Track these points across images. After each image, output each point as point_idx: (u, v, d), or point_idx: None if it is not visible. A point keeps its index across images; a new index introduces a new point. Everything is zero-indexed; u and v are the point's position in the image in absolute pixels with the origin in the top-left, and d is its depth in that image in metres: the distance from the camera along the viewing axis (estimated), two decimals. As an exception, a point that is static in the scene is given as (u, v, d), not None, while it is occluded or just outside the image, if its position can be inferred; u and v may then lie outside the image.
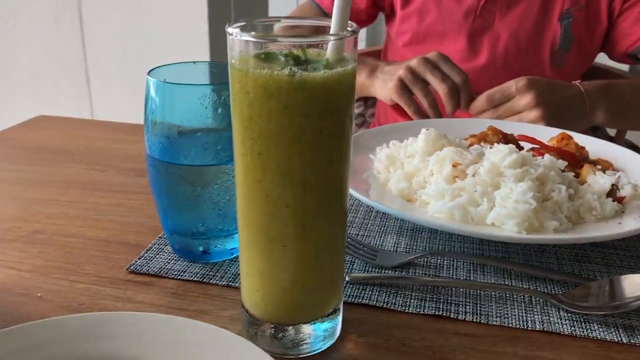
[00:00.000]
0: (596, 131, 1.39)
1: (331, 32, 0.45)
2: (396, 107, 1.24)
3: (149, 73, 0.59)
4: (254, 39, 0.43)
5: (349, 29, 0.45)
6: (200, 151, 0.59)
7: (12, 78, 3.07)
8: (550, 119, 1.00)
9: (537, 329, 0.54)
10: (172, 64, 0.63)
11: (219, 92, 0.58)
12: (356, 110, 1.54)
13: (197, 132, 0.59)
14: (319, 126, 0.44)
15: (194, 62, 0.64)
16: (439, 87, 1.02)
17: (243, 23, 0.46)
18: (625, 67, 1.55)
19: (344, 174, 0.47)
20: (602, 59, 1.36)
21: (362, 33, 2.66)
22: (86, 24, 2.97)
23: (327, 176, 0.46)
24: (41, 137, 1.01)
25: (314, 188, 0.45)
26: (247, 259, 0.49)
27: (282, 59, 0.44)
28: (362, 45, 2.62)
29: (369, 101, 1.53)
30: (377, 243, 0.68)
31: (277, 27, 0.51)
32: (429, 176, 0.73)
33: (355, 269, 0.63)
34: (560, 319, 0.55)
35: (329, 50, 0.44)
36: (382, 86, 1.11)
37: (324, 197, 0.46)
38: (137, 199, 0.78)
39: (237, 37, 0.43)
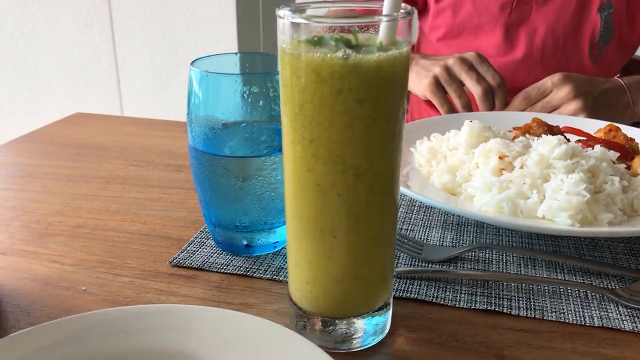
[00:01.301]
0: (638, 124, 1.36)
1: (384, 13, 0.43)
2: (429, 102, 1.22)
3: (192, 64, 0.59)
4: (305, 21, 0.42)
5: (402, 10, 0.44)
6: (243, 143, 0.58)
7: (44, 79, 3.12)
8: (591, 111, 0.97)
9: (595, 325, 0.52)
10: (213, 55, 0.62)
11: (262, 82, 0.57)
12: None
13: (241, 124, 0.58)
14: (372, 112, 0.42)
15: (236, 53, 0.63)
16: (474, 89, 1.00)
17: (291, 5, 0.45)
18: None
19: (396, 162, 0.46)
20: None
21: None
22: (116, 25, 3.00)
23: (380, 164, 0.44)
24: (78, 134, 1.02)
25: (366, 176, 0.44)
26: (296, 250, 0.48)
27: (334, 43, 0.42)
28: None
29: (402, 97, 1.51)
30: (422, 237, 0.67)
31: (326, 10, 0.50)
32: (474, 169, 0.71)
33: (401, 263, 0.61)
34: (620, 315, 0.53)
35: (382, 33, 0.43)
36: (417, 80, 1.09)
37: (375, 186, 0.45)
38: (177, 194, 0.78)
39: (288, 19, 0.42)
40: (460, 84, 1.03)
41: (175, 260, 0.61)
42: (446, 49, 1.27)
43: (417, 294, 0.56)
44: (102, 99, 3.11)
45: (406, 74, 0.44)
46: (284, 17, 0.42)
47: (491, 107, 1.01)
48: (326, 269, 0.46)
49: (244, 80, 0.57)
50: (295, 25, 0.42)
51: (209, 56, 0.61)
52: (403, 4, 0.44)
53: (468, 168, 0.72)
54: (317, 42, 0.42)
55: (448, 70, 1.03)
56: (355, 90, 0.41)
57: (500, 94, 1.01)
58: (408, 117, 1.44)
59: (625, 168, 0.71)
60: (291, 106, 0.43)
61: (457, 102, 1.03)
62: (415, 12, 1.39)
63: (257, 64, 0.65)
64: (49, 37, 3.06)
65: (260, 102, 0.58)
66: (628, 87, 1.04)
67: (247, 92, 0.57)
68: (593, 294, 0.56)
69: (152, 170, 0.86)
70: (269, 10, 2.85)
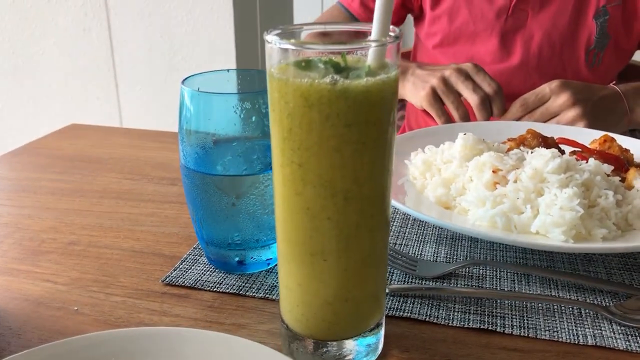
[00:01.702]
0: (634, 132, 1.35)
1: (372, 37, 0.43)
2: (426, 111, 1.22)
3: (183, 82, 0.59)
4: (293, 47, 0.42)
5: (391, 34, 0.43)
6: (235, 161, 0.58)
7: (42, 84, 3.12)
8: (589, 118, 0.97)
9: (589, 344, 0.51)
10: (205, 72, 0.62)
11: (254, 100, 0.57)
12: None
13: (232, 142, 0.58)
14: (361, 136, 0.42)
15: (227, 70, 0.63)
16: (471, 98, 1.00)
17: (279, 30, 0.45)
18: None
19: (386, 184, 0.46)
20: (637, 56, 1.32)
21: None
22: (114, 30, 3.00)
23: (369, 187, 0.44)
24: (73, 146, 1.02)
25: (356, 200, 0.44)
26: (286, 273, 0.47)
27: (322, 66, 0.42)
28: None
29: (398, 104, 1.50)
30: (416, 252, 0.66)
31: (313, 33, 0.50)
32: (468, 182, 0.71)
33: (395, 280, 0.61)
34: (614, 333, 0.52)
35: (370, 57, 0.42)
36: (413, 91, 1.09)
37: (366, 209, 0.44)
38: (171, 208, 0.77)
39: (276, 44, 0.42)
40: (457, 95, 1.02)
41: (168, 279, 0.61)
42: (442, 56, 1.27)
43: (411, 313, 0.56)
44: (101, 104, 3.11)
45: (395, 97, 0.44)
46: (272, 42, 0.42)
47: (489, 115, 1.01)
48: (316, 291, 0.46)
49: (235, 98, 0.57)
50: (283, 51, 0.42)
51: (200, 73, 0.61)
52: (392, 27, 0.44)
53: (462, 181, 0.71)
54: (305, 66, 0.42)
55: (445, 81, 1.03)
56: (344, 115, 0.41)
57: (498, 102, 1.01)
58: (404, 125, 1.44)
59: (620, 180, 0.71)
60: (279, 130, 0.43)
61: (454, 114, 1.02)
62: (412, 18, 1.39)
63: (250, 80, 0.65)
64: (47, 42, 3.06)
65: (253, 119, 0.58)
66: (624, 94, 1.04)
67: (239, 110, 0.57)
68: (587, 311, 0.55)
69: (146, 183, 0.85)
70: (267, 16, 2.86)
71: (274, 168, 0.45)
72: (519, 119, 1.02)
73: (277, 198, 0.46)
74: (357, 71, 0.42)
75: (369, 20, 1.29)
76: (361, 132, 0.42)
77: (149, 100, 3.01)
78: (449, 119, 1.04)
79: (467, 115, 1.02)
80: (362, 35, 0.46)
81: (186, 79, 0.60)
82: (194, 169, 0.58)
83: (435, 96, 1.03)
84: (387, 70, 0.42)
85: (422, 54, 1.35)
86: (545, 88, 1.01)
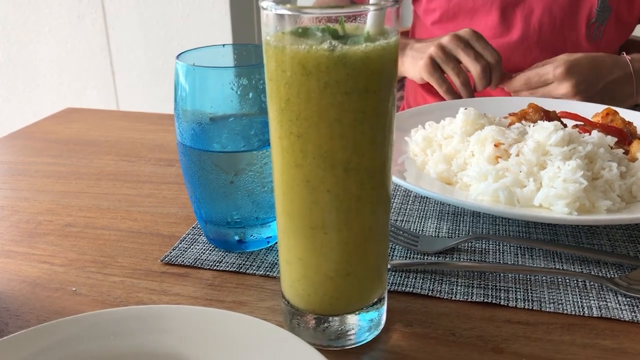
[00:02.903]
0: (636, 107, 1.34)
1: (371, 2, 0.42)
2: (426, 87, 1.21)
3: (177, 57, 0.57)
4: (289, 12, 0.40)
5: (390, -2, 0.42)
6: (232, 137, 0.57)
7: (38, 73, 3.10)
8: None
9: (594, 316, 0.51)
10: (200, 47, 0.60)
11: (250, 75, 0.56)
12: (384, 94, 1.50)
13: (229, 118, 0.56)
14: (360, 105, 0.41)
15: (223, 45, 0.62)
16: (472, 66, 0.98)
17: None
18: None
19: (387, 155, 0.45)
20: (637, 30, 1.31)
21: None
22: (109, 17, 2.98)
23: (370, 158, 0.43)
24: (69, 130, 1.01)
25: (356, 171, 0.43)
26: (286, 247, 0.46)
27: (319, 34, 0.41)
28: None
29: (398, 83, 1.49)
30: (418, 228, 0.66)
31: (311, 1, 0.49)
32: (470, 157, 0.70)
33: (396, 256, 0.60)
34: (619, 305, 0.52)
35: (369, 23, 0.41)
36: (412, 64, 1.07)
37: (367, 180, 0.43)
38: (168, 189, 0.76)
39: (271, 10, 0.40)
40: (457, 62, 1.01)
41: (167, 258, 0.60)
42: (441, 33, 1.25)
43: (413, 287, 0.55)
44: (98, 91, 3.09)
45: (395, 65, 0.43)
46: (268, 8, 0.41)
47: (488, 83, 1.00)
48: (317, 266, 0.45)
49: (231, 73, 0.56)
50: (280, 17, 0.41)
51: (195, 49, 0.60)
52: (390, -8, 0.42)
53: (463, 157, 0.70)
54: (302, 33, 0.41)
55: (444, 49, 1.01)
56: (343, 83, 0.40)
57: (498, 71, 1.00)
58: (404, 104, 1.43)
59: (623, 153, 0.70)
60: (277, 100, 0.42)
61: (455, 80, 1.01)
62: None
63: (246, 55, 0.64)
64: (41, 30, 3.04)
65: (250, 95, 0.56)
66: (636, 73, 1.02)
67: (236, 85, 0.56)
68: (592, 283, 0.55)
69: (144, 165, 0.84)
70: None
71: (272, 140, 0.44)
72: (520, 92, 1.01)
73: (276, 171, 0.45)
74: (356, 38, 0.40)
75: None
76: (361, 101, 0.41)
77: (146, 86, 2.99)
78: (450, 87, 1.02)
79: (468, 82, 1.00)
80: (361, 1, 0.44)
81: (181, 54, 0.58)
82: (190, 146, 0.57)
83: (434, 65, 1.02)
84: (387, 36, 0.41)
85: (421, 31, 1.34)
86: (550, 72, 0.99)
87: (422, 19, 1.31)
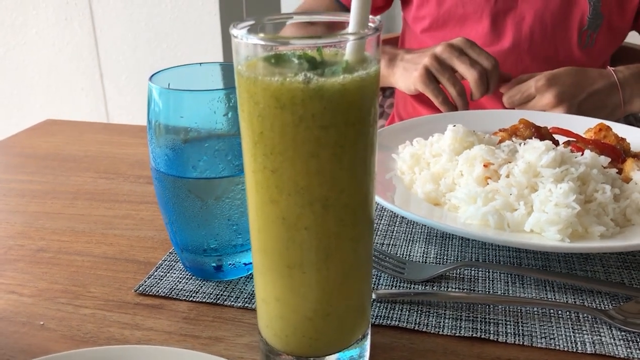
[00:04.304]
0: (627, 116, 1.32)
1: (350, 30, 0.39)
2: (417, 96, 1.18)
3: (151, 79, 0.55)
4: (262, 42, 0.38)
5: (370, 25, 0.40)
6: (209, 162, 0.54)
7: (25, 75, 3.06)
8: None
9: (588, 352, 0.48)
10: (176, 66, 0.58)
11: (229, 96, 0.53)
12: (374, 101, 1.48)
13: (205, 143, 0.54)
14: (339, 139, 0.38)
15: (200, 63, 0.59)
16: (468, 74, 0.96)
17: (250, 22, 0.41)
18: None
19: (368, 190, 0.42)
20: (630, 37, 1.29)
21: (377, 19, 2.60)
22: (97, 19, 2.94)
23: (350, 194, 0.40)
24: (47, 144, 0.97)
25: (335, 208, 0.40)
26: (263, 286, 0.44)
27: (296, 61, 0.38)
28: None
29: (387, 91, 1.47)
30: (405, 253, 0.63)
31: (288, 25, 0.46)
32: (459, 177, 0.67)
33: (382, 284, 0.58)
34: (614, 339, 0.49)
35: (349, 51, 0.39)
36: (405, 76, 1.04)
37: (347, 217, 0.41)
38: (147, 210, 0.74)
39: (243, 39, 0.38)
40: (452, 72, 0.98)
41: (141, 288, 0.58)
42: (431, 40, 1.23)
43: (399, 321, 0.52)
44: (86, 93, 3.05)
45: (376, 96, 0.40)
46: (239, 37, 0.38)
47: (486, 91, 0.97)
48: (295, 306, 0.43)
49: (209, 95, 0.53)
50: (252, 46, 0.38)
51: (170, 68, 0.57)
52: (371, 17, 0.40)
53: (452, 176, 0.68)
54: (276, 61, 0.38)
55: (438, 59, 0.98)
56: (319, 117, 0.37)
57: (495, 76, 0.97)
58: (393, 113, 1.40)
59: (617, 172, 0.67)
60: (250, 133, 0.39)
61: (451, 91, 0.98)
62: (399, 2, 1.35)
63: (225, 73, 0.61)
64: (28, 32, 3.00)
65: (229, 115, 0.54)
66: (622, 83, 1.00)
67: (213, 107, 0.53)
68: (585, 315, 0.52)
69: (122, 183, 0.81)
70: (253, 4, 2.80)
71: (246, 174, 0.42)
72: (508, 110, 0.98)
73: (250, 206, 0.42)
74: (333, 67, 0.38)
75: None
76: (339, 135, 0.38)
77: (135, 89, 2.96)
78: (446, 98, 1.00)
79: (464, 91, 0.98)
80: (340, 26, 0.42)
81: (154, 74, 0.55)
82: (164, 172, 0.54)
83: (429, 75, 0.99)
84: (367, 65, 0.38)
85: (410, 40, 1.31)
86: (531, 86, 0.97)
87: (411, 27, 1.28)
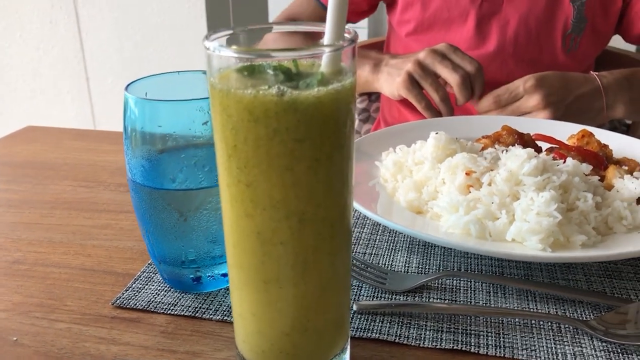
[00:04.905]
0: (612, 121, 1.32)
1: (325, 41, 0.38)
2: (402, 101, 1.18)
3: (126, 88, 0.54)
4: (235, 55, 0.37)
5: (346, 36, 0.39)
6: (187, 173, 0.53)
7: (11, 78, 3.03)
8: (561, 120, 0.94)
9: (569, 364, 0.48)
10: (153, 75, 0.57)
11: (207, 105, 0.52)
12: (360, 106, 1.48)
13: (182, 153, 0.53)
14: (314, 152, 0.38)
15: (178, 72, 0.58)
16: (451, 78, 0.95)
17: (224, 33, 0.40)
18: (633, 49, 1.47)
19: (346, 202, 0.41)
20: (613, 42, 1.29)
21: (364, 22, 2.59)
22: (82, 22, 2.92)
23: (327, 207, 0.40)
24: (27, 151, 0.96)
25: (312, 221, 0.39)
26: (239, 301, 0.43)
27: (271, 72, 0.38)
28: (364, 36, 2.55)
29: (373, 96, 1.46)
30: (387, 262, 0.63)
31: (264, 35, 0.45)
32: (441, 185, 0.67)
33: (363, 295, 0.57)
34: (595, 350, 0.49)
35: (324, 63, 0.38)
36: (389, 81, 1.04)
37: (324, 230, 0.40)
38: (126, 219, 0.72)
39: (216, 52, 0.37)
40: (435, 77, 0.98)
41: (118, 301, 0.57)
42: (416, 44, 1.23)
43: (379, 333, 0.52)
44: (72, 97, 3.03)
45: (352, 108, 0.39)
46: (212, 49, 0.37)
47: (469, 95, 0.96)
48: (272, 321, 0.42)
49: (187, 104, 0.52)
50: (226, 58, 0.37)
51: (147, 77, 0.56)
52: (347, 27, 0.39)
53: (434, 184, 0.67)
54: (249, 73, 0.37)
55: (420, 64, 0.98)
56: (294, 130, 0.37)
57: (479, 81, 0.96)
58: (379, 118, 1.40)
59: (599, 179, 0.67)
60: (224, 146, 0.39)
61: (434, 96, 0.98)
62: (384, 6, 1.34)
63: (202, 82, 0.60)
64: (13, 35, 2.97)
65: (208, 124, 0.53)
66: (606, 88, 1.00)
67: (191, 117, 0.52)
68: (566, 326, 0.52)
69: (102, 191, 0.80)
70: (238, 3, 2.79)
71: (221, 187, 0.41)
72: (490, 113, 0.98)
73: (225, 221, 0.42)
74: (308, 79, 0.37)
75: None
76: (314, 148, 0.38)
77: (121, 92, 2.93)
78: (429, 103, 0.99)
79: (447, 97, 0.97)
80: (318, 36, 0.41)
81: (131, 84, 0.55)
82: (141, 183, 0.54)
83: (412, 81, 0.98)
84: (342, 77, 0.38)
85: (396, 43, 1.31)
86: (520, 86, 0.97)
87: (396, 31, 1.28)
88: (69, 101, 3.03)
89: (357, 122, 1.47)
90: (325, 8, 1.29)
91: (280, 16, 1.33)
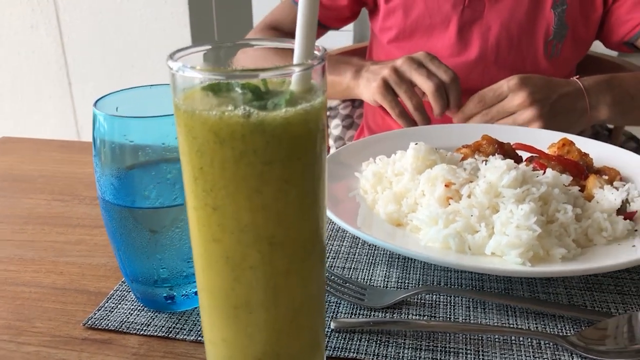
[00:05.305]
0: (594, 125, 1.33)
1: (295, 60, 0.37)
2: (383, 108, 1.17)
3: (95, 104, 0.52)
4: (200, 75, 0.36)
5: (316, 53, 0.38)
6: (159, 190, 0.52)
7: (-11, 86, 2.99)
8: (546, 118, 0.93)
9: (548, 382, 0.47)
10: (124, 89, 0.55)
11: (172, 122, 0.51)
12: (344, 112, 1.47)
13: (152, 171, 0.51)
14: (283, 174, 0.36)
15: (150, 85, 0.57)
16: (425, 85, 0.94)
17: (190, 50, 0.39)
18: (615, 54, 1.47)
19: (318, 223, 0.40)
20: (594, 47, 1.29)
21: (350, 26, 2.58)
22: (64, 27, 2.88)
23: (299, 230, 0.39)
24: (3, 163, 0.94)
25: (283, 245, 0.38)
26: (209, 327, 0.42)
27: (239, 91, 0.37)
28: (349, 41, 2.54)
29: (356, 102, 1.45)
30: (366, 277, 0.62)
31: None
32: (420, 197, 0.66)
33: (341, 312, 0.56)
34: (575, 368, 0.48)
35: (294, 82, 0.37)
36: (367, 87, 1.03)
37: (296, 254, 0.39)
38: (101, 234, 0.71)
39: (180, 72, 0.36)
40: (410, 85, 0.97)
41: (90, 322, 0.55)
42: (398, 51, 1.22)
43: (357, 352, 0.51)
44: (54, 103, 2.99)
45: (322, 127, 0.38)
46: (175, 69, 0.36)
47: (445, 105, 0.95)
48: (243, 347, 0.41)
49: (157, 120, 0.51)
50: (190, 78, 0.36)
51: (118, 91, 0.55)
52: (317, 44, 0.38)
53: (414, 196, 0.67)
54: (215, 92, 0.36)
55: (397, 71, 0.97)
56: (262, 152, 0.35)
57: (454, 90, 0.95)
58: (362, 124, 1.39)
59: (580, 190, 0.67)
60: (190, 168, 0.37)
61: (408, 104, 0.97)
62: (367, 12, 1.34)
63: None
64: (-8, 40, 2.93)
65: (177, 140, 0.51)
66: (587, 90, 1.00)
67: (162, 132, 0.51)
68: (546, 342, 0.51)
69: (77, 205, 0.79)
70: (222, 10, 2.77)
71: (188, 210, 0.40)
72: (475, 115, 0.97)
73: (194, 244, 0.40)
74: (276, 99, 0.36)
75: (322, 16, 1.22)
76: (284, 169, 0.36)
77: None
78: (403, 110, 0.98)
79: (421, 105, 0.96)
80: (290, 54, 0.40)
81: (100, 99, 0.53)
82: (111, 202, 0.52)
83: (387, 87, 0.98)
84: (311, 97, 0.37)
85: (378, 50, 1.30)
86: (504, 85, 0.96)
87: (378, 37, 1.27)
88: (51, 106, 2.99)
89: (340, 129, 1.47)
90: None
91: (263, 22, 1.32)
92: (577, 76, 1.01)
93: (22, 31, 2.90)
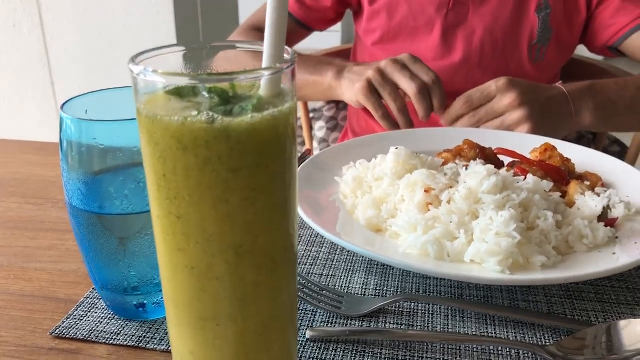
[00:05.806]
0: (579, 131, 1.32)
1: (264, 64, 0.36)
2: (367, 110, 1.16)
3: (62, 107, 0.50)
4: (163, 79, 0.34)
5: (286, 56, 0.37)
6: (127, 197, 0.50)
7: (-30, 85, 2.94)
8: (535, 120, 0.92)
9: (526, 394, 0.46)
10: (93, 92, 0.54)
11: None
12: (328, 114, 1.46)
13: (121, 176, 0.50)
14: (250, 182, 0.35)
15: (122, 87, 0.55)
16: (408, 87, 0.93)
17: (153, 53, 0.37)
18: (600, 58, 1.47)
19: (288, 233, 0.39)
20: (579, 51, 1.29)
21: (337, 27, 2.57)
22: (47, 26, 2.85)
23: (267, 239, 0.37)
24: (-25, 165, 0.92)
25: (250, 255, 0.37)
26: (176, 338, 0.40)
27: (205, 95, 0.35)
28: (337, 42, 2.53)
29: (341, 104, 1.44)
30: (344, 284, 0.60)
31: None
32: (400, 202, 0.65)
33: (318, 321, 0.55)
34: (553, 379, 0.47)
35: (263, 86, 0.36)
36: (349, 87, 1.02)
37: (264, 264, 0.38)
38: (73, 240, 0.69)
39: (141, 76, 0.34)
40: (394, 87, 0.96)
41: (57, 330, 0.53)
42: (382, 53, 1.21)
43: (332, 363, 0.49)
44: (37, 103, 2.95)
45: (291, 133, 0.37)
46: (137, 73, 0.34)
47: (429, 107, 0.94)
48: (211, 360, 0.39)
49: (127, 124, 0.49)
50: (152, 83, 0.35)
51: (86, 94, 0.53)
52: (286, 47, 0.37)
53: (394, 202, 0.65)
54: (179, 95, 0.35)
55: (381, 72, 0.96)
56: (227, 159, 0.34)
57: (437, 92, 0.94)
58: (347, 127, 1.38)
59: (561, 196, 0.66)
60: (153, 176, 0.36)
61: (392, 106, 0.96)
62: (351, 13, 1.33)
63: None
64: (-27, 40, 2.88)
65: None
66: (570, 95, 0.99)
67: (134, 136, 0.49)
68: (525, 352, 0.50)
69: (50, 209, 0.77)
70: (207, 7, 2.75)
71: (152, 218, 0.38)
72: (462, 116, 0.96)
73: (159, 253, 0.39)
74: (243, 104, 0.35)
75: (306, 18, 1.20)
76: (250, 177, 0.35)
77: (87, 98, 2.86)
78: (386, 112, 0.97)
79: (405, 108, 0.95)
80: (260, 58, 0.38)
81: (67, 102, 0.51)
82: (79, 207, 0.50)
83: (371, 88, 0.96)
84: (281, 101, 0.35)
85: (362, 52, 1.29)
86: (492, 85, 0.95)
87: (363, 40, 1.26)
88: (34, 107, 2.95)
89: (324, 131, 1.45)
90: (291, 17, 1.27)
91: (246, 23, 1.30)
92: (560, 82, 1.01)
93: (5, 30, 2.86)
